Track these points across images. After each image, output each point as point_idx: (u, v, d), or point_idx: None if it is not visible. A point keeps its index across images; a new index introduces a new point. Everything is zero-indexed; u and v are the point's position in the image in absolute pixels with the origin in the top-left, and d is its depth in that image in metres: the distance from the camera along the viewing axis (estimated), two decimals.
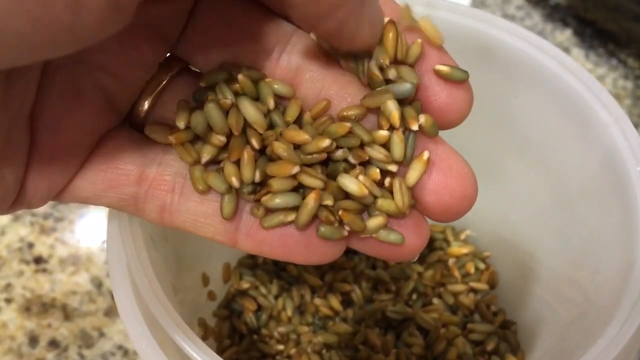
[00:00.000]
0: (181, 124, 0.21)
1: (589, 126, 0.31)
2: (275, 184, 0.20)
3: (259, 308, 0.38)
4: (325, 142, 0.20)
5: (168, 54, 0.22)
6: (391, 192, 0.21)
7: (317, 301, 0.38)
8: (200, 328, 0.33)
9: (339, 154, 0.20)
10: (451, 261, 0.40)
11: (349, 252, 0.40)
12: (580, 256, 0.32)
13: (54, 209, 0.45)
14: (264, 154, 0.21)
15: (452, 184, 0.21)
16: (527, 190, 0.36)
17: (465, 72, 0.21)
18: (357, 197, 0.20)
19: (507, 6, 0.64)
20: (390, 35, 0.20)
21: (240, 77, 0.20)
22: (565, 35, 0.62)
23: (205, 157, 0.20)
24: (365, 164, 0.21)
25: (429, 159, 0.21)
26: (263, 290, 0.38)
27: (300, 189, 0.20)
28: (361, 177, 0.20)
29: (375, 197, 0.21)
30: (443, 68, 0.21)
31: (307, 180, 0.20)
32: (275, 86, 0.21)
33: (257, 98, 0.21)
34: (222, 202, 0.20)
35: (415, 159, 0.21)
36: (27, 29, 0.14)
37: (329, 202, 0.20)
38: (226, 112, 0.20)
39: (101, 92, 0.21)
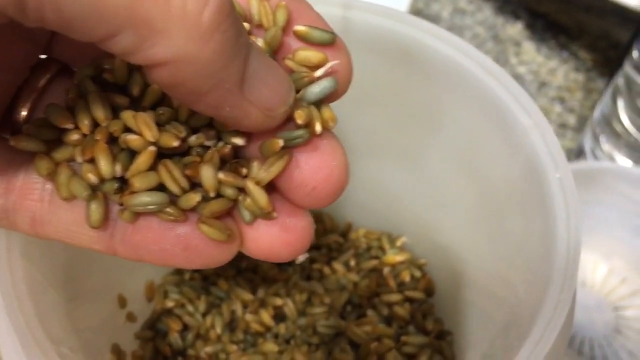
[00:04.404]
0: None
1: (510, 130, 0.30)
2: (137, 182, 0.18)
3: (185, 327, 0.37)
4: (175, 143, 0.18)
5: (45, 56, 0.21)
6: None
7: (248, 317, 0.37)
8: (113, 355, 0.31)
9: (193, 139, 0.19)
10: (386, 270, 0.38)
11: (283, 264, 0.39)
12: (507, 264, 0.31)
13: None
14: (123, 150, 0.19)
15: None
16: (458, 196, 0.35)
17: (330, 33, 0.19)
18: (207, 190, 0.19)
19: (458, 0, 0.62)
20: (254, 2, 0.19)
21: (117, 61, 0.19)
22: (517, 28, 0.61)
23: (79, 157, 0.19)
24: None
25: (290, 156, 0.19)
26: (190, 308, 0.36)
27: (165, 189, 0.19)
28: (221, 175, 0.19)
29: (241, 192, 0.19)
30: (301, 28, 0.19)
31: (168, 180, 0.19)
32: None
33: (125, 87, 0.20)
34: (87, 209, 0.19)
35: (274, 154, 0.19)
36: None
37: (197, 198, 0.19)
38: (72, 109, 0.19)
39: None
